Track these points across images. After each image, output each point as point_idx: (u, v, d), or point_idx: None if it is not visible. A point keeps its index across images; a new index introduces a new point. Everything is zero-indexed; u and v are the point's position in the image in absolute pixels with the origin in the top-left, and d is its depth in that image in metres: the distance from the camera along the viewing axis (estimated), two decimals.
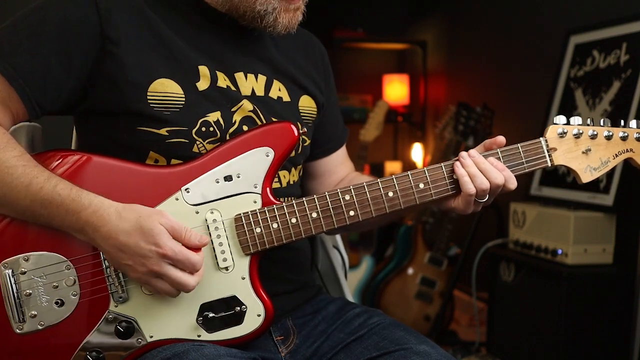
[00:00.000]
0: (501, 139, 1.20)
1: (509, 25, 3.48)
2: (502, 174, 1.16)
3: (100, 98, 1.13)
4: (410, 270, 3.22)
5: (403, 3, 4.66)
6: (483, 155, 1.18)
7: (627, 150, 1.22)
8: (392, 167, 4.39)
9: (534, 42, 3.21)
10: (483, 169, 1.16)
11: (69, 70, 1.11)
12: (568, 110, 2.66)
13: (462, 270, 3.07)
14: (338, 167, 1.45)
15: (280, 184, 1.24)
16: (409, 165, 4.43)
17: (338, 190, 1.14)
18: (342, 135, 1.47)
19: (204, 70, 1.17)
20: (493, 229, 2.91)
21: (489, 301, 2.79)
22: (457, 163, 1.17)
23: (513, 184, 1.17)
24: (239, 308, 1.12)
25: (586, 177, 1.21)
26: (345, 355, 1.18)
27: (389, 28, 4.63)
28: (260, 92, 1.24)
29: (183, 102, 1.14)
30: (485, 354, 2.80)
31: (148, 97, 1.12)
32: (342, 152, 1.47)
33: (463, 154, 1.17)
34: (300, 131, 1.17)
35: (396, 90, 4.42)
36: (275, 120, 1.23)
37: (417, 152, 4.27)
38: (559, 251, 2.38)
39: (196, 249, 1.06)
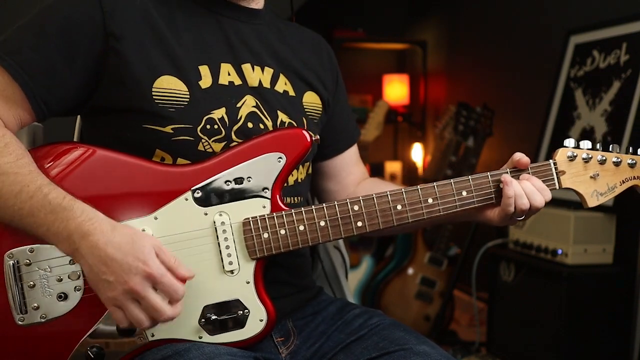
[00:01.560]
0: (525, 161, 1.19)
1: (509, 25, 3.48)
2: (542, 197, 1.17)
3: (105, 95, 1.13)
4: (410, 270, 3.22)
5: (403, 3, 4.66)
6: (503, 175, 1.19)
7: (634, 178, 1.24)
8: (392, 167, 4.39)
9: (534, 42, 3.21)
10: (528, 191, 1.17)
11: (73, 68, 1.11)
12: (568, 110, 2.67)
13: (462, 270, 3.07)
14: (352, 166, 1.45)
15: (287, 182, 1.23)
16: (408, 166, 4.43)
17: (347, 200, 1.15)
18: (353, 133, 1.46)
19: (204, 70, 1.18)
20: (493, 229, 2.91)
21: (489, 301, 2.79)
22: (506, 181, 1.16)
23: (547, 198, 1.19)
24: (241, 312, 1.12)
25: (592, 202, 1.22)
26: (345, 355, 1.18)
27: (389, 28, 4.63)
28: (266, 84, 1.24)
29: (188, 99, 1.14)
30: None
31: (153, 94, 1.12)
32: (354, 151, 1.46)
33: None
34: (314, 138, 1.17)
35: (396, 90, 4.42)
36: (289, 125, 1.24)
37: (417, 152, 4.27)
38: (559, 251, 2.38)
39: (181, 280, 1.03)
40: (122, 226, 1.03)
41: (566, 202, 2.48)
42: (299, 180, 1.27)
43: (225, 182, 1.12)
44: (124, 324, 1.02)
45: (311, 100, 1.32)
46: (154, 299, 1.00)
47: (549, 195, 1.18)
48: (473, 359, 2.81)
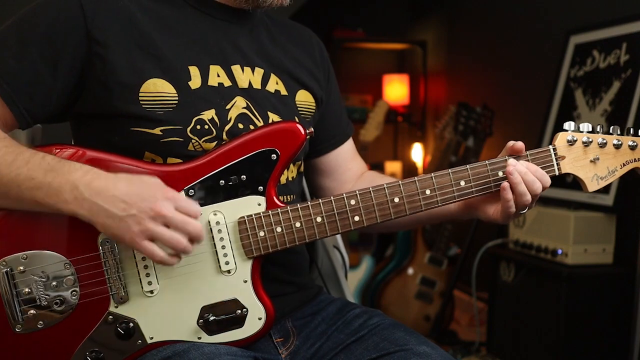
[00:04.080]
0: (518, 147, 1.17)
1: (508, 25, 3.48)
2: (539, 182, 1.15)
3: (91, 101, 1.13)
4: (410, 270, 3.22)
5: (403, 3, 4.66)
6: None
7: (635, 160, 1.21)
8: (392, 167, 4.39)
9: (534, 42, 3.21)
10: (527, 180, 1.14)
11: (56, 74, 1.10)
12: (568, 110, 2.66)
13: (462, 270, 3.07)
14: (349, 162, 1.43)
15: (279, 181, 1.22)
16: (408, 166, 4.43)
17: (344, 194, 1.14)
18: (346, 128, 1.45)
19: (194, 70, 1.17)
20: (493, 229, 2.91)
21: (489, 301, 2.79)
22: (505, 187, 1.14)
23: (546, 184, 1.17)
24: (240, 311, 1.11)
25: (592, 186, 1.20)
26: (345, 356, 1.18)
27: (389, 28, 4.63)
28: (257, 85, 1.23)
29: (176, 102, 1.14)
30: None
31: (140, 98, 1.12)
32: (349, 146, 1.45)
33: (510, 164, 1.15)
34: (307, 131, 1.16)
35: (396, 90, 4.42)
36: (281, 120, 1.22)
37: (417, 152, 4.27)
38: (559, 251, 2.38)
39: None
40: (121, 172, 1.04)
41: (566, 202, 2.48)
42: (290, 179, 1.27)
43: (219, 180, 1.11)
44: (161, 253, 1.01)
45: (304, 98, 1.31)
46: (180, 215, 1.00)
47: (548, 181, 1.16)
48: (473, 359, 2.81)
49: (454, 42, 4.10)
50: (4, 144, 1.05)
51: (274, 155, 1.13)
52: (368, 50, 4.65)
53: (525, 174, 1.14)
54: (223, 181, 1.11)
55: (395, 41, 4.57)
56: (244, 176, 1.12)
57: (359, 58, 4.60)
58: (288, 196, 1.25)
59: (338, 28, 4.31)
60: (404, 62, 4.73)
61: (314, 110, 1.34)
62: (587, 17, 2.76)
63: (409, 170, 4.40)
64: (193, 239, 1.03)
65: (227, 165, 1.12)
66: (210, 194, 1.10)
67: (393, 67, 4.73)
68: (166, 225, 1.00)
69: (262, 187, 1.13)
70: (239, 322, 1.11)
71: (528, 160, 1.17)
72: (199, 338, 1.10)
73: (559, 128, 2.74)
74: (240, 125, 1.18)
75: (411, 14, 4.62)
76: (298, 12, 3.61)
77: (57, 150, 1.08)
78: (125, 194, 0.99)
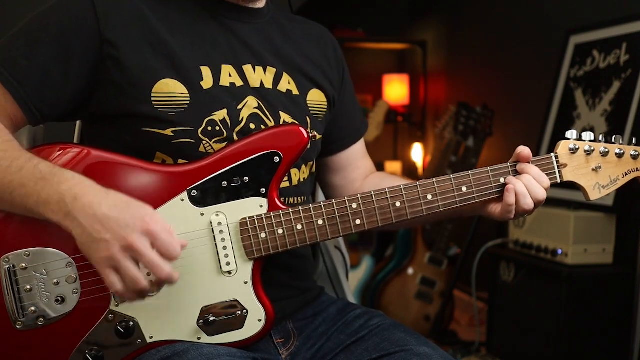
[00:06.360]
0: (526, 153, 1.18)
1: (508, 25, 3.48)
2: (543, 190, 1.16)
3: (104, 102, 1.13)
4: (410, 270, 3.22)
5: (403, 3, 4.66)
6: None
7: (637, 169, 1.22)
8: (392, 167, 4.39)
9: (534, 42, 3.21)
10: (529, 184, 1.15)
11: (67, 75, 1.10)
12: (568, 110, 2.67)
13: (462, 270, 3.07)
14: (359, 161, 1.44)
15: (290, 182, 1.23)
16: (408, 166, 4.43)
17: (345, 198, 1.14)
18: (360, 127, 1.45)
19: (206, 71, 1.17)
20: (493, 229, 2.91)
21: (489, 301, 2.79)
22: (508, 188, 1.15)
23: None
24: (240, 312, 1.11)
25: (594, 195, 1.20)
26: (345, 356, 1.18)
27: (389, 28, 4.63)
28: (268, 84, 1.23)
29: (188, 102, 1.13)
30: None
31: (152, 98, 1.12)
32: (360, 145, 1.45)
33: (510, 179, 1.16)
34: (311, 134, 1.16)
35: (396, 90, 4.42)
36: (285, 122, 1.22)
37: (417, 152, 4.27)
38: (559, 251, 2.38)
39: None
40: (115, 191, 1.01)
41: (566, 202, 2.48)
42: (302, 180, 1.26)
43: (222, 181, 1.11)
44: (118, 286, 0.98)
45: (316, 98, 1.31)
46: (152, 254, 0.97)
47: (547, 183, 1.17)
48: (473, 359, 2.81)
49: (454, 42, 4.10)
50: (3, 147, 1.04)
51: (277, 158, 1.13)
52: (368, 50, 4.65)
53: (529, 184, 1.15)
54: (226, 182, 1.11)
55: (395, 41, 4.57)
56: (247, 178, 1.12)
57: (359, 58, 4.60)
58: (299, 197, 1.25)
59: (338, 28, 4.31)
60: (404, 62, 4.73)
61: (325, 110, 1.33)
62: (587, 17, 2.76)
63: (409, 170, 4.40)
64: (162, 281, 1.01)
65: (230, 167, 1.12)
66: (213, 194, 1.10)
67: (393, 67, 4.74)
68: (136, 260, 0.98)
69: (264, 189, 1.13)
70: (239, 323, 1.11)
71: (509, 172, 1.17)
72: (199, 338, 1.10)
73: (559, 128, 2.73)
74: (252, 126, 1.18)
75: (411, 14, 4.62)
76: (298, 12, 3.61)
77: (60, 151, 1.08)
78: (105, 217, 0.97)
